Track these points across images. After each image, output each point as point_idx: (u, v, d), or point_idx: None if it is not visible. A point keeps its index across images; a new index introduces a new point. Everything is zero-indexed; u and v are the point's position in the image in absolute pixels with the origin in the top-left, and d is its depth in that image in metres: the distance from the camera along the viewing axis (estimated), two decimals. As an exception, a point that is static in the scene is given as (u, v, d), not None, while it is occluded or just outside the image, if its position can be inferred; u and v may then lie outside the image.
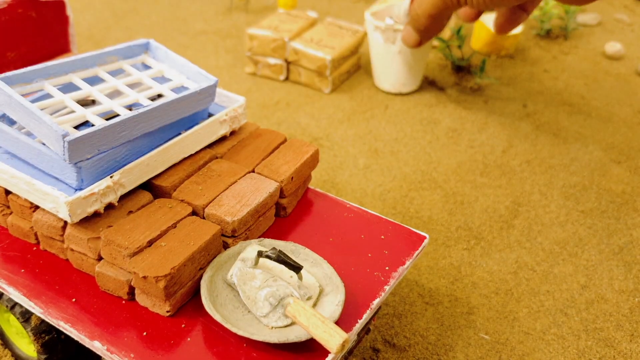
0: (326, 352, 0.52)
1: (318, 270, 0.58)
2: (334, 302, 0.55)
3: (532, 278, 0.84)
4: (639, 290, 0.83)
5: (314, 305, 0.55)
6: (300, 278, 0.56)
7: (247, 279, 0.55)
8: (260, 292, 0.54)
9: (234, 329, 0.51)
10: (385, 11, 1.33)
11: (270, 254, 0.55)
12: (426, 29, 0.76)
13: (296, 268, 0.55)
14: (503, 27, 0.79)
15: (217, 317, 0.52)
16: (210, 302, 0.53)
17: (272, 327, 0.53)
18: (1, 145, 0.62)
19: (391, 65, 1.29)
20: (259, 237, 0.65)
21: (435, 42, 1.46)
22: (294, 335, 0.51)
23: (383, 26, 1.24)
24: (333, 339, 0.49)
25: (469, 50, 1.57)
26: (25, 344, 0.68)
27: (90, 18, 1.66)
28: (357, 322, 0.55)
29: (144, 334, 0.53)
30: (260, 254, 0.56)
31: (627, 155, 1.14)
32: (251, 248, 0.57)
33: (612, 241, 0.92)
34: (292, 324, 0.53)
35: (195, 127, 0.67)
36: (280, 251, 0.55)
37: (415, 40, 0.79)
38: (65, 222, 0.58)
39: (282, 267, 0.56)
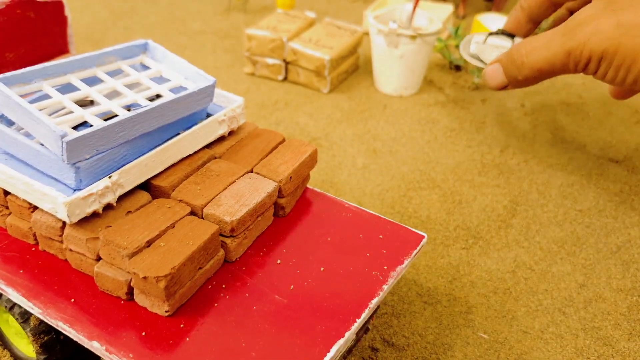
0: (331, 343, 0.52)
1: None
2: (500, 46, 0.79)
3: (530, 277, 0.84)
4: (637, 289, 0.83)
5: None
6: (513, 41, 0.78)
7: (482, 49, 0.78)
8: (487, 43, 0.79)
9: None
10: (388, 14, 1.33)
11: (494, 32, 0.78)
12: (524, 80, 0.66)
13: (510, 35, 0.78)
14: (621, 94, 0.75)
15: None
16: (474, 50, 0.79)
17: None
18: None
19: (393, 69, 1.29)
20: (257, 236, 0.65)
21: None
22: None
23: (386, 30, 1.24)
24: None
25: (467, 50, 1.57)
26: (25, 345, 0.68)
27: (89, 18, 1.66)
28: (356, 322, 0.56)
29: (143, 334, 0.53)
30: (489, 34, 0.78)
31: (624, 155, 1.14)
32: (477, 35, 0.80)
33: (610, 240, 0.92)
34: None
35: (194, 128, 0.67)
36: (499, 29, 0.79)
37: (501, 83, 0.70)
38: (64, 223, 0.58)
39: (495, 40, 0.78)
